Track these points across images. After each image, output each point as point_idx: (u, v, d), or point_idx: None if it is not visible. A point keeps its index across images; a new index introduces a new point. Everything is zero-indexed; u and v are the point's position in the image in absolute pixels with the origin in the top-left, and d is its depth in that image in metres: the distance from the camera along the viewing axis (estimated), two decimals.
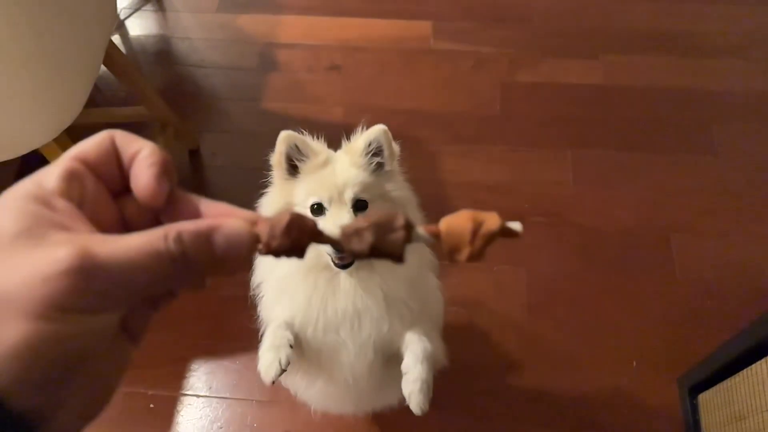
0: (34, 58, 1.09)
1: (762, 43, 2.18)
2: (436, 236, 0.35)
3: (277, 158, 0.91)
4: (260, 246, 0.32)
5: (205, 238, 0.30)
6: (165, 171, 0.32)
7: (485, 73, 2.14)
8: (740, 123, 1.98)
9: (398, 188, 0.92)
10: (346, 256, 0.82)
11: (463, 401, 1.47)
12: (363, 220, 0.34)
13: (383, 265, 0.88)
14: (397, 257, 0.34)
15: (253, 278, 1.00)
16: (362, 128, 0.93)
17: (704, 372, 1.36)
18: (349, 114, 2.04)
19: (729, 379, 1.25)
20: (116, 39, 2.24)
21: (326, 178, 0.87)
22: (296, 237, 0.33)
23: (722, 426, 1.27)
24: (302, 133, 0.92)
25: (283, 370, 0.82)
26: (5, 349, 0.25)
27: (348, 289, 0.89)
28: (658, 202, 1.81)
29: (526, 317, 1.61)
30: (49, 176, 0.30)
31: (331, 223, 0.83)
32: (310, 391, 1.08)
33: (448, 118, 2.03)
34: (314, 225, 0.34)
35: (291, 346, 0.85)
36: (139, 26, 2.31)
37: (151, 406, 1.48)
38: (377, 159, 0.89)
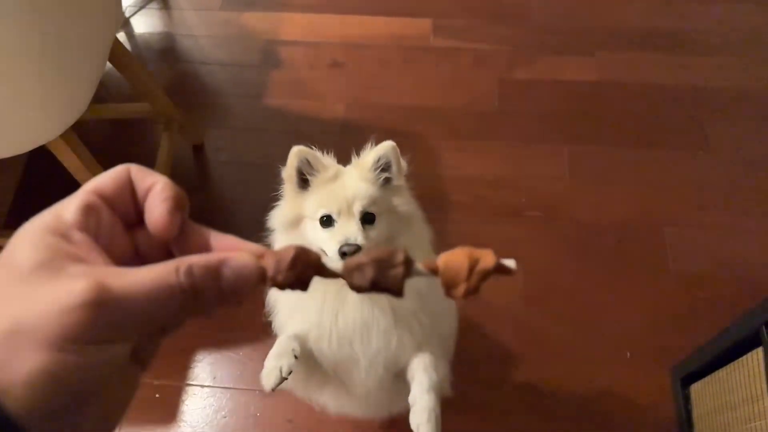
0: (41, 55, 1.11)
1: (754, 41, 2.20)
2: (434, 272, 0.37)
3: (288, 172, 0.94)
4: (267, 279, 0.34)
5: (215, 271, 0.31)
6: (177, 205, 0.34)
7: (484, 70, 2.16)
8: (732, 119, 2.01)
9: (405, 203, 0.94)
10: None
11: (459, 392, 1.50)
12: (364, 255, 0.36)
13: None
14: (397, 292, 0.36)
15: (268, 295, 1.02)
16: (371, 144, 0.96)
17: (696, 363, 1.39)
18: (351, 110, 2.07)
19: (720, 369, 1.27)
20: (121, 36, 2.27)
21: (336, 191, 0.89)
22: (301, 271, 0.34)
23: (714, 415, 1.30)
24: (313, 148, 0.95)
25: (284, 379, 0.84)
26: (22, 379, 0.26)
27: (356, 300, 0.91)
28: (652, 197, 1.84)
29: (522, 309, 1.64)
30: (68, 209, 0.32)
31: (339, 234, 0.86)
32: (325, 397, 1.11)
33: (447, 114, 2.06)
34: (318, 259, 0.35)
35: (296, 357, 0.87)
36: (144, 24, 2.34)
37: (157, 395, 1.52)
38: (386, 174, 0.92)
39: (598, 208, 1.82)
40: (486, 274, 0.36)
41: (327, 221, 0.89)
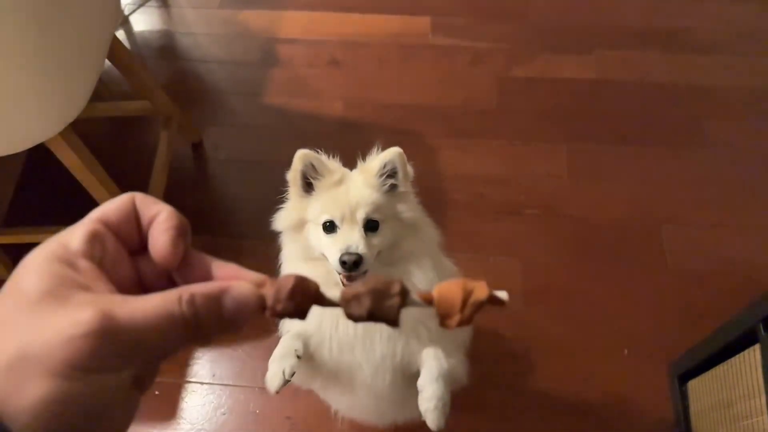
0: (39, 53, 1.11)
1: (752, 40, 2.20)
2: (430, 303, 0.38)
3: (293, 175, 0.93)
4: (266, 308, 0.35)
5: (216, 300, 0.32)
6: (180, 234, 0.34)
7: (482, 68, 2.17)
8: (731, 117, 2.02)
9: (410, 209, 0.94)
10: (354, 276, 0.85)
11: (456, 389, 1.51)
12: (362, 285, 0.37)
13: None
14: (392, 322, 0.37)
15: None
16: (377, 149, 0.95)
17: (693, 360, 1.39)
18: (349, 108, 2.07)
19: (718, 366, 1.28)
20: (121, 34, 2.26)
21: (340, 196, 0.89)
22: (300, 301, 0.35)
23: (710, 412, 1.30)
24: (318, 152, 0.94)
25: (287, 381, 0.84)
26: (28, 405, 0.27)
27: None
28: (650, 195, 1.85)
29: (520, 306, 1.65)
30: (74, 238, 0.32)
31: (341, 241, 0.86)
32: (330, 397, 1.11)
33: (445, 112, 2.06)
34: (317, 289, 0.36)
35: (299, 357, 0.87)
36: (144, 22, 2.34)
37: (157, 392, 1.52)
38: (391, 181, 0.91)
39: (597, 206, 1.83)
40: (479, 306, 0.37)
41: (330, 227, 0.88)
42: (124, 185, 1.51)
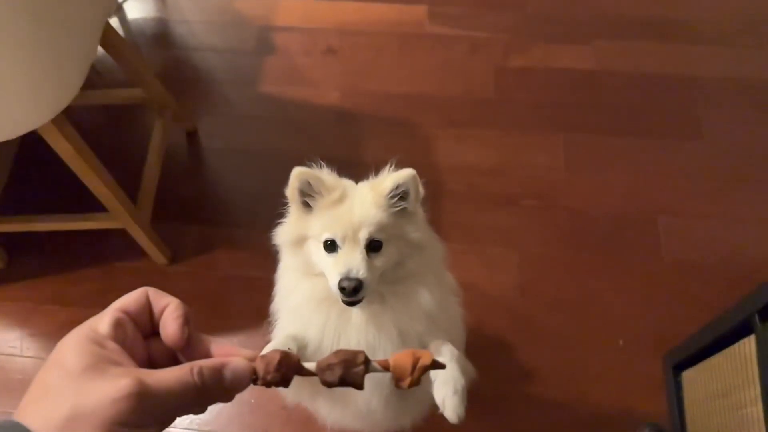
0: (31, 39, 1.10)
1: (749, 31, 2.20)
2: (387, 369, 0.47)
3: (290, 193, 0.88)
4: (257, 378, 0.44)
5: (218, 371, 0.42)
6: (186, 322, 0.44)
7: (479, 58, 2.16)
8: (727, 108, 2.01)
9: (417, 230, 0.89)
10: (354, 301, 0.82)
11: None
12: (334, 356, 0.46)
13: (397, 301, 0.88)
14: (358, 386, 0.46)
15: (271, 306, 0.99)
16: (391, 167, 0.90)
17: (688, 350, 1.40)
18: (346, 98, 2.06)
19: (712, 357, 1.28)
20: (114, 22, 2.24)
21: (342, 214, 0.84)
22: (284, 372, 0.44)
23: (705, 402, 1.31)
24: (319, 166, 0.90)
25: None
26: None
27: (360, 324, 0.88)
28: (646, 186, 1.85)
29: (517, 298, 1.65)
30: (102, 324, 0.42)
31: (342, 263, 0.82)
32: (319, 407, 1.08)
33: (442, 102, 2.05)
34: (298, 362, 0.46)
35: None
36: (138, 9, 2.32)
37: None
38: (402, 204, 0.87)
39: (593, 196, 1.83)
40: (425, 370, 0.47)
41: (331, 246, 0.85)
42: (118, 174, 1.50)
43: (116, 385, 0.37)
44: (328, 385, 0.46)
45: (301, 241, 0.89)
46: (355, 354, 0.46)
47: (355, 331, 0.88)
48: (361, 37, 2.21)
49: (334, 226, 0.84)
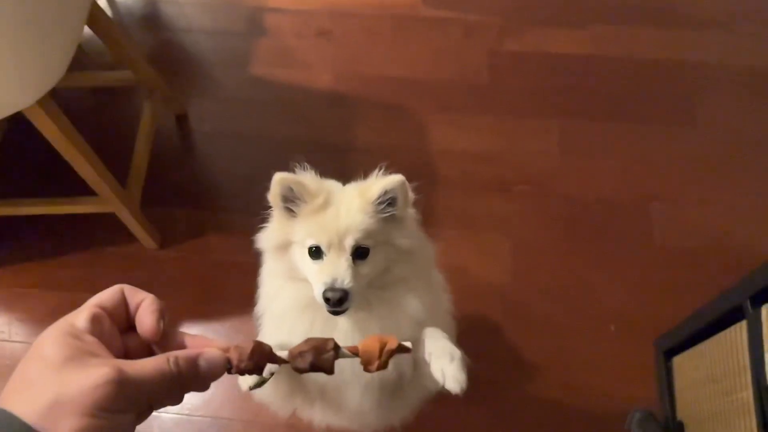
0: (15, 17, 1.07)
1: (745, 17, 2.18)
2: (356, 354, 0.50)
3: (273, 199, 0.85)
4: (231, 367, 0.46)
5: (193, 361, 0.44)
6: (161, 316, 0.46)
7: (474, 42, 2.13)
8: (721, 95, 2.01)
9: (406, 236, 0.86)
10: (338, 312, 0.80)
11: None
12: (305, 344, 0.49)
13: (385, 308, 0.86)
14: (328, 370, 0.49)
15: (255, 309, 0.97)
16: (379, 171, 0.86)
17: (679, 336, 1.40)
18: (338, 81, 2.04)
19: (703, 343, 1.29)
20: (102, 2, 2.20)
21: (328, 221, 0.81)
22: (257, 360, 0.47)
23: (695, 388, 1.32)
24: (303, 169, 0.86)
25: (263, 380, 0.80)
26: None
27: (346, 331, 0.86)
28: (640, 172, 1.85)
29: (509, 283, 1.65)
30: (79, 319, 0.43)
31: (326, 272, 0.79)
32: (313, 413, 1.07)
33: (436, 87, 2.03)
34: (270, 350, 0.48)
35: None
36: None
37: None
38: (390, 210, 0.83)
39: (587, 183, 1.82)
40: (391, 353, 0.50)
41: (316, 252, 0.82)
42: (107, 158, 1.48)
43: (96, 373, 0.39)
44: (300, 371, 0.48)
45: (285, 247, 0.86)
46: (325, 341, 0.49)
47: (342, 338, 0.84)
48: (354, 19, 2.18)
49: (319, 233, 0.81)
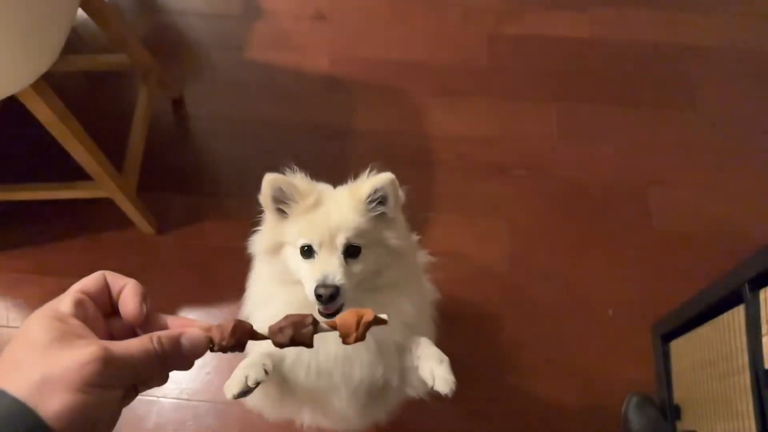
0: (8, 0, 1.06)
1: (748, 0, 2.16)
2: (334, 328, 0.52)
3: (264, 201, 0.86)
4: (213, 345, 0.48)
5: (176, 340, 0.46)
6: (144, 299, 0.47)
7: (473, 25, 2.11)
8: (722, 78, 2.00)
9: (397, 236, 0.87)
10: (330, 308, 0.80)
11: (444, 349, 1.52)
12: (284, 320, 0.50)
13: (376, 311, 0.86)
14: (308, 344, 0.50)
15: (241, 310, 0.98)
16: (370, 171, 0.87)
17: (677, 320, 1.41)
18: (335, 65, 2.02)
19: (700, 327, 1.29)
20: None
21: (319, 220, 0.82)
22: (239, 337, 0.48)
23: (692, 371, 1.32)
24: (293, 170, 0.87)
25: (249, 389, 0.79)
26: (54, 411, 0.38)
27: (337, 336, 0.87)
28: (639, 156, 1.84)
29: (507, 268, 1.65)
30: (63, 304, 0.45)
31: (318, 269, 0.80)
32: (302, 415, 1.08)
33: (435, 70, 2.02)
34: (251, 327, 0.49)
35: (266, 372, 0.81)
36: None
37: None
38: (381, 208, 0.84)
39: (585, 167, 1.82)
40: (368, 325, 0.52)
41: (308, 252, 0.82)
42: (103, 143, 1.46)
43: (83, 351, 0.40)
44: (281, 345, 0.50)
45: (277, 249, 0.87)
46: (303, 316, 0.50)
47: (333, 343, 0.86)
48: (352, 1, 2.16)
49: (311, 232, 0.82)
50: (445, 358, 0.83)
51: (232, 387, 0.79)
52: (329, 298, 0.78)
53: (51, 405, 0.39)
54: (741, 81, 1.98)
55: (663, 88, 1.98)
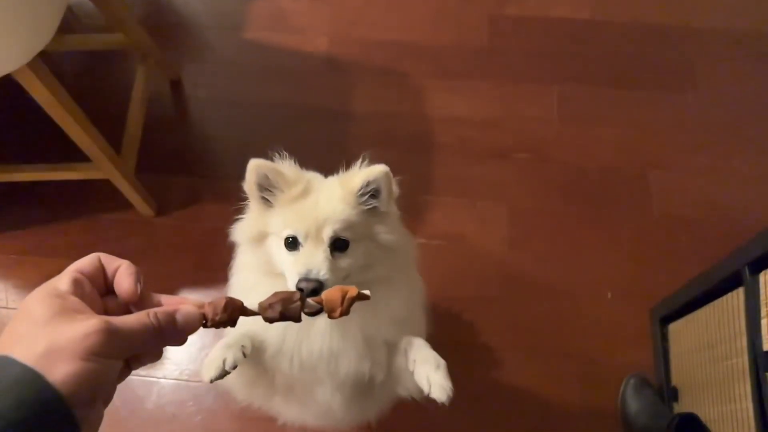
0: None
1: None
2: (320, 303, 0.54)
3: (248, 188, 0.82)
4: (206, 321, 0.50)
5: (171, 315, 0.48)
6: (138, 279, 0.49)
7: (473, 5, 2.09)
8: (723, 60, 1.98)
9: (389, 231, 0.82)
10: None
11: (444, 332, 1.52)
12: (273, 297, 0.53)
13: (365, 307, 0.80)
14: (296, 318, 0.53)
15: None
16: (362, 162, 0.82)
17: (675, 303, 1.41)
18: (334, 45, 2.00)
19: (699, 310, 1.29)
20: None
21: (306, 210, 0.78)
22: (230, 313, 0.50)
23: (690, 354, 1.33)
24: (281, 157, 0.83)
25: (226, 372, 0.76)
26: (61, 378, 0.40)
27: (323, 330, 0.83)
28: (639, 139, 1.83)
29: (506, 251, 1.65)
30: (61, 282, 0.46)
31: (301, 262, 0.76)
32: (273, 405, 1.04)
33: (435, 52, 2.00)
34: (242, 304, 0.52)
35: (244, 354, 0.78)
36: None
37: None
38: (373, 202, 0.80)
39: (585, 149, 1.81)
40: (352, 300, 0.55)
41: (292, 243, 0.78)
42: (101, 124, 1.45)
43: (86, 323, 0.42)
44: (270, 320, 0.52)
45: (261, 238, 0.83)
46: (291, 293, 0.53)
47: (319, 337, 0.83)
48: None
49: (296, 222, 0.78)
50: (442, 363, 0.79)
51: (210, 370, 0.76)
52: (311, 292, 0.72)
53: (57, 372, 0.40)
54: (743, 63, 1.97)
55: (664, 70, 1.96)
